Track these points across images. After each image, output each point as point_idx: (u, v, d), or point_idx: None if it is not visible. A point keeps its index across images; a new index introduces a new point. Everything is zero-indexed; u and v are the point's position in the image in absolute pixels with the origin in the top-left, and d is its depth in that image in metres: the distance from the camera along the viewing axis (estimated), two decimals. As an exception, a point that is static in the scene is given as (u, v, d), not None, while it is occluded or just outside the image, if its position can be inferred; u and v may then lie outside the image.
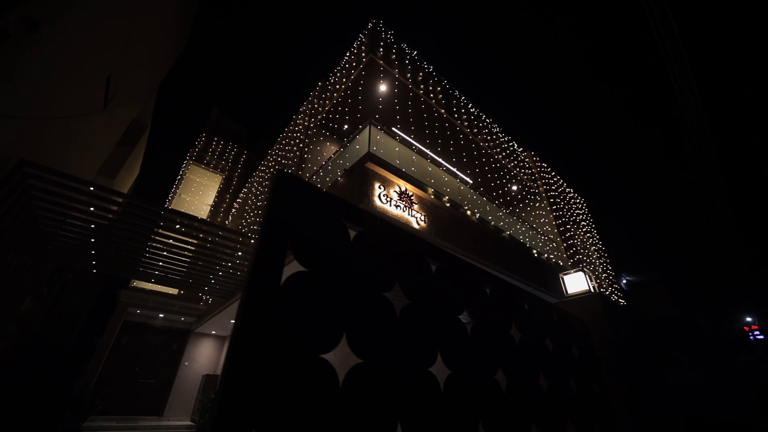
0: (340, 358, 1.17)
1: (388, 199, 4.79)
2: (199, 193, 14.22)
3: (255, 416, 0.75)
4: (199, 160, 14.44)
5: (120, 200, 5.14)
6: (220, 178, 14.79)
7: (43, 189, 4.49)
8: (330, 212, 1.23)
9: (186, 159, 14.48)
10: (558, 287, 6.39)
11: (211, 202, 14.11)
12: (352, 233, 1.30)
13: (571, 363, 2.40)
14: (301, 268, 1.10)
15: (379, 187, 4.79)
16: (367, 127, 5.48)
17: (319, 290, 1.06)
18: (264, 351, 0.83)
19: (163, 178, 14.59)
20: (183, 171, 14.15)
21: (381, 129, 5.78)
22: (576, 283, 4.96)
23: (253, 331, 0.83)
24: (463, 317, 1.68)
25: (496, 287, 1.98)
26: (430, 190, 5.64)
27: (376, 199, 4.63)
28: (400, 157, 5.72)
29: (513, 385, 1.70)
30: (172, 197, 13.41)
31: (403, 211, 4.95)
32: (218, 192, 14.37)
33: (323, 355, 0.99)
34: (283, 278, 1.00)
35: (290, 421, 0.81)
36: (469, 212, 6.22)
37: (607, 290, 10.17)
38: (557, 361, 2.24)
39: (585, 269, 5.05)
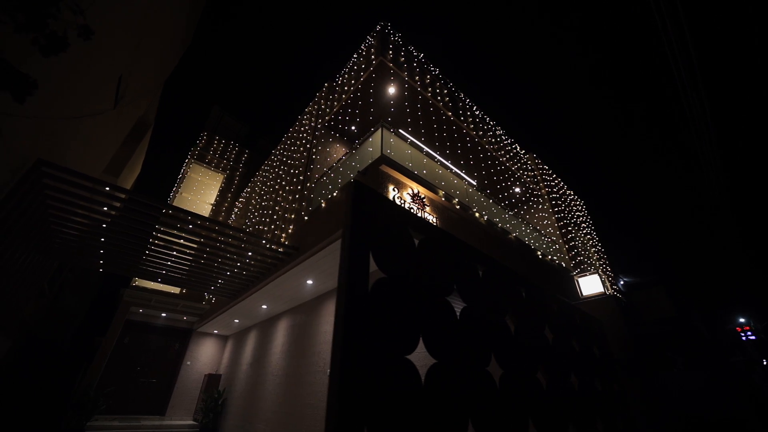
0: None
1: (402, 201, 4.86)
2: (200, 192, 14.17)
3: (365, 415, 0.81)
4: (201, 159, 14.39)
5: (130, 199, 5.15)
6: (222, 177, 14.75)
7: (58, 188, 4.50)
8: (398, 221, 1.29)
9: (187, 157, 14.42)
10: (563, 289, 6.50)
11: (212, 201, 14.07)
12: (416, 241, 1.37)
13: (594, 363, 2.49)
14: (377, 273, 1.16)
15: (393, 190, 4.86)
16: (380, 130, 5.54)
17: (397, 295, 1.13)
18: (364, 354, 0.89)
19: (164, 177, 14.51)
20: (184, 169, 14.09)
21: (392, 131, 5.84)
22: (591, 285, 5.08)
23: (356, 337, 0.89)
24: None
25: (529, 290, 2.06)
26: (441, 193, 5.72)
27: (391, 201, 4.70)
28: (411, 159, 5.80)
29: (551, 384, 1.78)
30: (174, 196, 13.35)
31: (416, 213, 5.02)
32: (220, 191, 14.33)
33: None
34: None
35: (390, 419, 0.88)
36: (477, 214, 6.31)
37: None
38: (583, 361, 2.33)
39: (600, 272, 5.18)
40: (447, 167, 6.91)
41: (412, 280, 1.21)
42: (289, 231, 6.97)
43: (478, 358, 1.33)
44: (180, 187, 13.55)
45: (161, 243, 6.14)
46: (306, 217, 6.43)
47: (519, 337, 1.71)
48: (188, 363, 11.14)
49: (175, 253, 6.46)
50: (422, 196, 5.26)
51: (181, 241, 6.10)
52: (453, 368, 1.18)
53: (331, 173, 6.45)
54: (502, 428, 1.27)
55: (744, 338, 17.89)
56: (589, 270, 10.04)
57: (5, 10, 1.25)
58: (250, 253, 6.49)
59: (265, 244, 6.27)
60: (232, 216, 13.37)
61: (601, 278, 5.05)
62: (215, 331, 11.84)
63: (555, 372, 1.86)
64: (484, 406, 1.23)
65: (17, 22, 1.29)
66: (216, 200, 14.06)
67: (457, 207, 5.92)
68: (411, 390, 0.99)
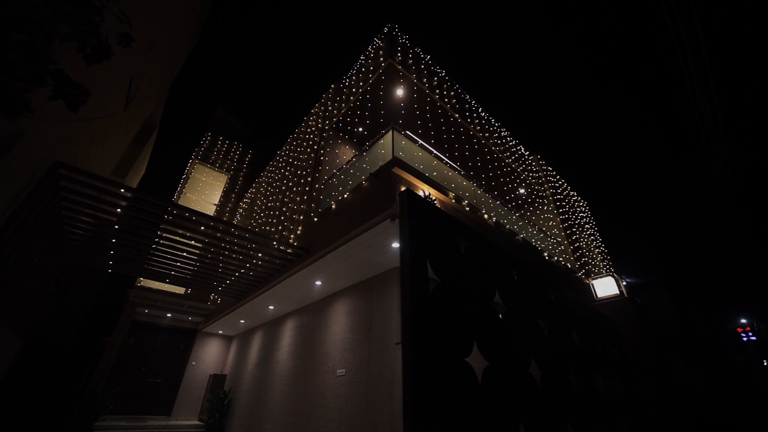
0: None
1: (414, 203, 4.90)
2: (205, 193, 14.19)
3: (438, 418, 0.85)
4: (205, 159, 14.42)
5: (143, 200, 5.19)
6: (226, 177, 14.78)
7: (73, 190, 4.53)
8: (446, 228, 1.34)
9: (191, 158, 14.45)
10: (572, 290, 6.56)
11: (216, 201, 14.10)
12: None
13: (615, 364, 2.53)
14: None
15: (406, 192, 4.90)
16: (391, 132, 5.58)
17: (452, 299, 1.17)
18: (431, 358, 0.93)
19: (168, 177, 14.53)
20: (188, 170, 14.12)
21: (403, 133, 5.89)
22: (606, 287, 5.12)
23: (425, 342, 0.93)
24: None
25: (556, 294, 2.10)
26: (451, 194, 5.77)
27: (404, 203, 4.74)
28: (421, 161, 5.84)
29: (582, 386, 1.83)
30: (178, 196, 13.37)
31: (428, 215, 5.07)
32: (223, 191, 14.36)
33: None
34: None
35: (458, 421, 0.92)
36: (486, 215, 6.36)
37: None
38: (606, 362, 2.37)
39: (614, 274, 5.25)
40: (456, 169, 6.95)
41: (462, 285, 1.26)
42: (298, 232, 7.01)
43: (520, 360, 1.38)
44: (184, 187, 13.57)
45: (171, 243, 6.17)
46: (315, 219, 6.47)
47: (552, 340, 1.76)
48: (193, 363, 11.17)
49: (185, 254, 6.50)
50: (433, 198, 5.30)
51: (192, 242, 6.14)
52: (503, 370, 1.22)
53: (341, 175, 6.49)
54: (547, 429, 1.31)
55: (745, 339, 18.00)
56: (595, 270, 10.09)
57: (69, 21, 1.29)
58: (260, 254, 6.53)
59: (276, 245, 6.31)
60: (237, 216, 13.40)
61: (616, 280, 5.10)
62: (220, 332, 11.86)
63: (584, 373, 1.91)
64: (530, 407, 1.27)
65: (76, 33, 1.33)
66: (220, 201, 14.09)
67: (467, 209, 5.97)
68: (472, 391, 1.04)
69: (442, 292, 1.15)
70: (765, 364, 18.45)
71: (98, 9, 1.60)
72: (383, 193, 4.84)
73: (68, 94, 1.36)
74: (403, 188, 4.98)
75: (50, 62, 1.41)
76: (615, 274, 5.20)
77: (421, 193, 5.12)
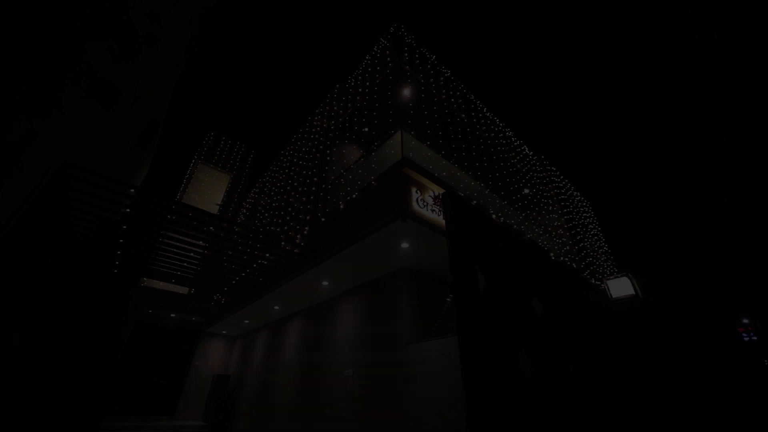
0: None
1: (425, 203, 4.88)
2: (207, 193, 14.16)
3: (502, 418, 0.84)
4: (207, 159, 14.39)
5: (150, 200, 5.17)
6: (228, 177, 14.75)
7: (82, 190, 4.51)
8: (485, 230, 1.32)
9: (194, 158, 14.41)
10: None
11: (219, 201, 14.07)
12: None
13: (635, 365, 2.52)
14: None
15: (416, 192, 4.88)
16: (399, 132, 5.56)
17: (497, 299, 1.16)
18: (487, 360, 0.92)
19: (171, 177, 14.48)
20: (191, 170, 14.09)
21: (412, 134, 5.87)
22: (620, 287, 5.11)
23: (480, 346, 0.92)
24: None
25: (582, 294, 2.09)
26: (460, 195, 5.75)
27: (414, 203, 4.72)
28: (430, 161, 5.82)
29: (609, 386, 1.82)
30: (181, 196, 13.34)
31: (438, 215, 5.05)
32: (226, 191, 14.33)
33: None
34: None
35: (516, 418, 0.90)
36: (493, 216, 6.35)
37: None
38: (627, 363, 2.36)
39: (629, 274, 5.25)
40: (464, 168, 6.94)
41: (504, 286, 1.24)
42: (305, 232, 6.99)
43: (560, 360, 1.37)
44: (187, 187, 13.55)
45: (178, 244, 6.15)
46: (322, 219, 6.45)
47: (580, 340, 1.75)
48: (197, 363, 11.14)
49: (191, 254, 6.47)
50: (442, 198, 5.28)
51: (200, 242, 6.12)
52: (545, 370, 1.21)
53: (348, 175, 6.47)
54: (584, 428, 1.30)
55: (746, 338, 17.99)
56: (599, 271, 10.09)
57: (106, 21, 1.28)
58: (266, 254, 6.51)
59: (284, 245, 6.28)
60: (241, 216, 13.37)
61: (631, 280, 5.09)
62: (223, 332, 11.83)
63: (614, 376, 1.90)
64: (572, 405, 1.26)
65: (108, 32, 1.31)
66: (223, 200, 14.06)
67: (475, 209, 5.95)
68: (525, 390, 1.02)
69: (490, 294, 1.13)
70: (766, 363, 18.46)
71: (126, 8, 1.58)
72: (393, 193, 4.82)
73: (102, 94, 1.35)
74: (414, 189, 4.97)
75: (83, 61, 1.40)
76: (629, 275, 5.22)
77: (431, 194, 5.11)
